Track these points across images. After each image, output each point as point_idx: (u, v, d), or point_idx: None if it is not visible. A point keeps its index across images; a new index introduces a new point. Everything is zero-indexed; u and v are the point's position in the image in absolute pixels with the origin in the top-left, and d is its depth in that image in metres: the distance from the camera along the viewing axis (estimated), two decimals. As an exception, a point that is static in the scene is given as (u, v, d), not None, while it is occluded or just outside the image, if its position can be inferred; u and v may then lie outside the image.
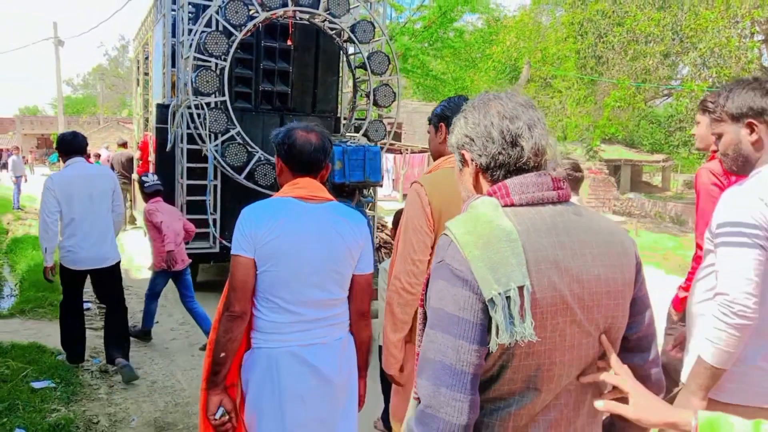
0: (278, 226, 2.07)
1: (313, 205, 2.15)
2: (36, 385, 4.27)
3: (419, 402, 1.22)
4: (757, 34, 14.35)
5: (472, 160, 1.34)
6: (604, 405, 1.26)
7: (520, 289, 1.15)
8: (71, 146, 4.55)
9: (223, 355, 2.06)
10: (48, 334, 5.43)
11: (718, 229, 1.90)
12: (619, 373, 1.26)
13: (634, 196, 21.12)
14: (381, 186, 6.89)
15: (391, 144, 17.19)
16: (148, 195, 5.27)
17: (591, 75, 15.82)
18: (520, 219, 1.22)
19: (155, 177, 5.48)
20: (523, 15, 19.55)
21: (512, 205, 1.25)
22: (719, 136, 2.04)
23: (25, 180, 16.95)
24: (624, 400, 1.24)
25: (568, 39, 16.25)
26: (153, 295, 5.40)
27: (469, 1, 16.45)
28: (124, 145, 12.37)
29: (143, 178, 5.43)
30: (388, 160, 16.21)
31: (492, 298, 1.15)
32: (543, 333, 1.18)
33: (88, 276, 4.67)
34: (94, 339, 5.41)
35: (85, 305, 6.52)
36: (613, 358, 1.28)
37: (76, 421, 3.87)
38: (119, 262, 4.77)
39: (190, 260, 5.43)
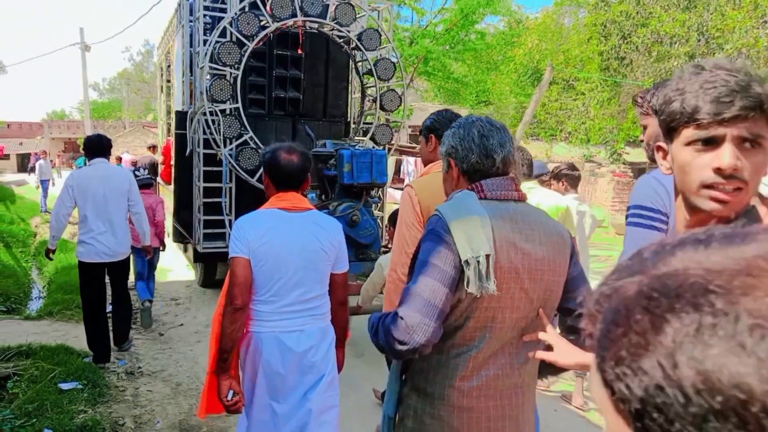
0: (266, 233, 2.45)
1: (295, 214, 2.54)
2: (64, 386, 4.34)
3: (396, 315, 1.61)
4: (786, 34, 14.06)
5: (456, 166, 1.81)
6: (536, 354, 1.69)
7: (487, 256, 1.59)
8: (95, 148, 4.90)
9: (230, 344, 2.42)
10: (75, 336, 5.51)
11: (627, 212, 2.09)
12: (547, 332, 1.71)
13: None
14: (387, 187, 7.18)
15: (411, 147, 17.15)
16: (139, 187, 5.48)
17: (614, 77, 15.66)
18: (490, 208, 1.68)
19: (146, 172, 6.57)
20: (545, 17, 19.44)
21: (485, 198, 1.72)
22: (644, 128, 2.24)
23: (53, 184, 17.27)
24: (551, 350, 1.68)
25: (591, 40, 16.12)
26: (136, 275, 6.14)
27: (490, 3, 16.37)
28: (152, 148, 12.57)
29: (135, 173, 5.97)
30: (408, 163, 16.22)
31: (467, 260, 1.58)
32: (499, 293, 1.61)
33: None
34: (120, 341, 5.48)
35: (109, 308, 6.64)
36: (545, 321, 1.73)
37: (103, 422, 3.92)
38: (129, 257, 5.14)
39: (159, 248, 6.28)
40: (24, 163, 35.52)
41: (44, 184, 17.15)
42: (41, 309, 6.65)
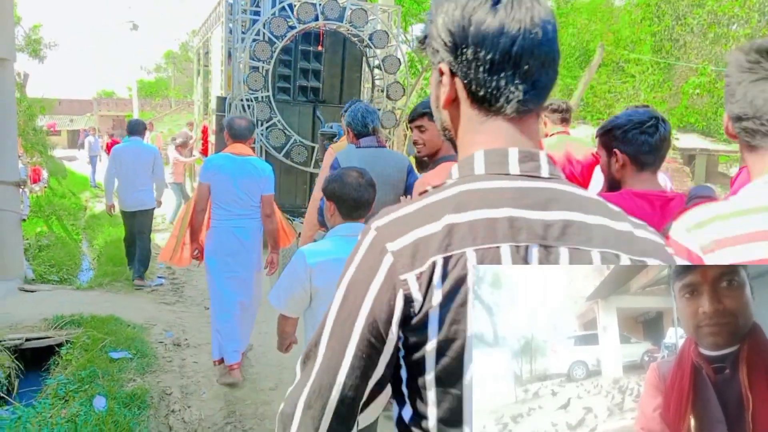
0: (218, 169, 4.11)
1: (239, 158, 4.14)
2: (114, 355, 4.46)
3: None
4: None
5: (352, 131, 3.69)
6: None
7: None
8: (132, 130, 6.79)
9: (197, 226, 4.26)
10: (124, 307, 5.66)
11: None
12: None
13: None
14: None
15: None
16: None
17: (667, 59, 15.13)
18: (361, 151, 3.55)
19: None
20: (596, -4, 18.87)
21: (360, 147, 3.57)
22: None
23: (100, 159, 17.71)
24: None
25: (644, 21, 15.57)
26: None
27: (539, -19, 15.93)
28: (190, 125, 13.30)
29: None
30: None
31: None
32: None
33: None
34: (168, 314, 5.61)
35: (159, 280, 6.79)
36: None
37: (151, 391, 4.02)
38: (153, 207, 6.88)
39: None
40: (74, 139, 36.57)
41: (93, 160, 17.60)
42: (92, 280, 6.84)
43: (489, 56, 0.86)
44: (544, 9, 0.89)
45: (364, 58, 8.49)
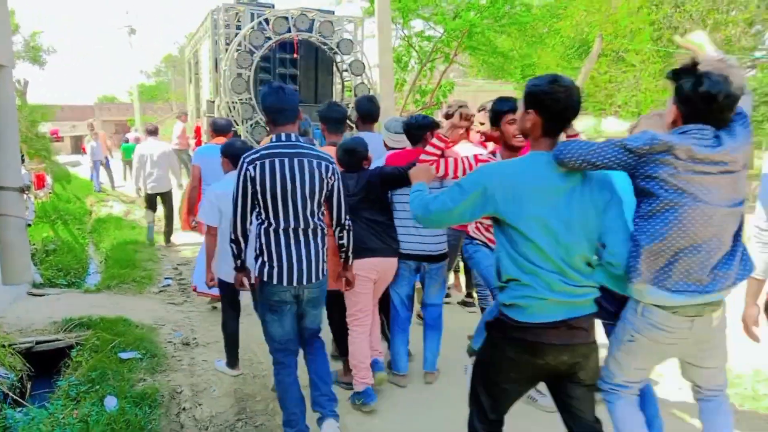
0: (205, 155, 5.65)
1: (220, 146, 4.62)
2: (123, 355, 4.49)
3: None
4: None
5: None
6: None
7: None
8: (149, 132, 8.86)
9: (192, 199, 5.72)
10: (132, 308, 5.69)
11: None
12: None
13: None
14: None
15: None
16: None
17: (667, 47, 15.08)
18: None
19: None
20: (594, -14, 18.77)
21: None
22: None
23: (102, 164, 17.64)
24: None
25: (642, 10, 15.49)
26: None
27: (535, -27, 15.88)
28: (183, 116, 14.10)
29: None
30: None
31: None
32: None
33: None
34: (176, 314, 5.64)
35: (166, 281, 6.83)
36: None
37: (162, 390, 4.05)
38: (171, 189, 8.85)
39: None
40: (77, 145, 36.59)
41: (96, 165, 17.57)
42: (99, 283, 6.87)
43: None
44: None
45: (334, 63, 9.85)
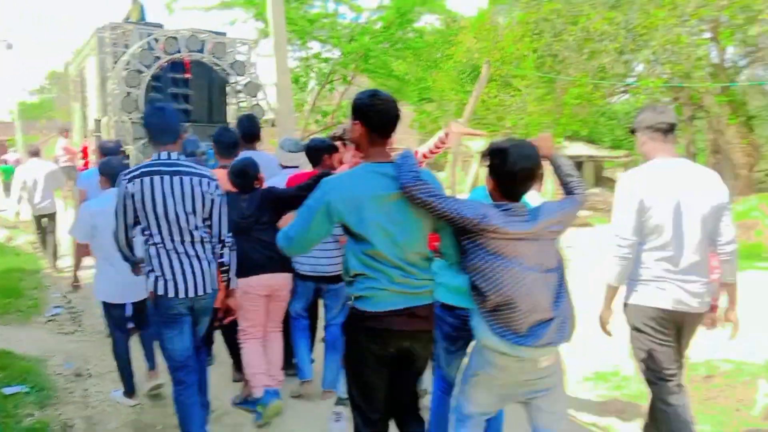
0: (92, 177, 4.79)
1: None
2: (7, 390, 4.23)
3: None
4: (704, 32, 14.82)
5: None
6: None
7: None
8: (31, 153, 9.05)
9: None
10: (18, 339, 5.35)
11: None
12: None
13: (599, 191, 21.59)
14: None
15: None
16: None
17: (549, 73, 16.18)
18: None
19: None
20: (480, 15, 19.82)
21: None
22: None
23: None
24: None
25: (524, 38, 16.54)
26: None
27: (426, 1, 16.53)
28: (65, 132, 13.86)
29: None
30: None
31: None
32: None
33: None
34: (67, 344, 5.39)
35: (55, 310, 6.50)
36: None
37: (52, 424, 3.86)
38: (56, 211, 8.80)
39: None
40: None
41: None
42: (-23, 316, 6.41)
43: None
44: None
45: (227, 84, 9.84)
